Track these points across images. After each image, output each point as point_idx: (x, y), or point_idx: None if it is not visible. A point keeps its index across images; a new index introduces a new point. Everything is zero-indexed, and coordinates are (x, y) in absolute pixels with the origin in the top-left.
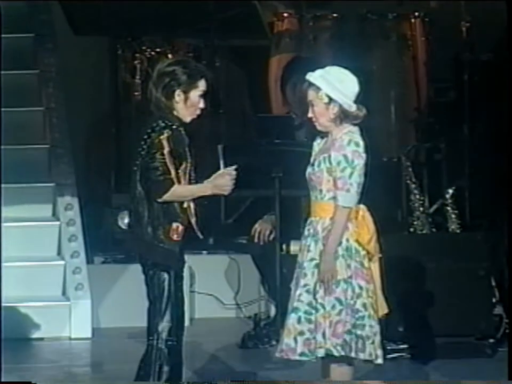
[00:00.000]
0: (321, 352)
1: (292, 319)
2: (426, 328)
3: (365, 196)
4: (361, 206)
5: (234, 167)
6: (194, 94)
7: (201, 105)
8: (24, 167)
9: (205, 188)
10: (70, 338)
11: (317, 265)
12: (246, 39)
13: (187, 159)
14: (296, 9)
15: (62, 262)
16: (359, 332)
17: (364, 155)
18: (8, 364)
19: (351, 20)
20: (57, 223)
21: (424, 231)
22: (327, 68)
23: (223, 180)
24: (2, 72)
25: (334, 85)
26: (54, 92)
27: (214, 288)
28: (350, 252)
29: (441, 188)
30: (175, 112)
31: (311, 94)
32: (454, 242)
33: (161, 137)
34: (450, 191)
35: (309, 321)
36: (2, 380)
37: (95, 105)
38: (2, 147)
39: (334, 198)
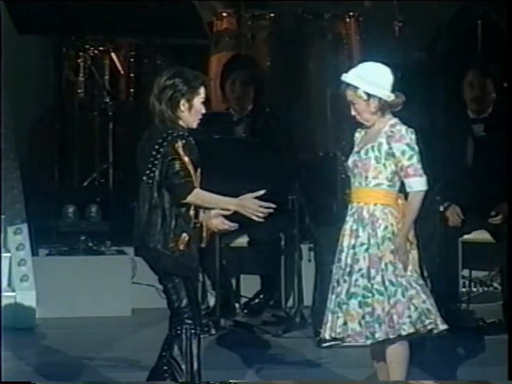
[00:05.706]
0: (380, 336)
1: (352, 304)
2: None
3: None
4: (400, 193)
5: (263, 191)
6: (198, 101)
7: (203, 110)
8: None
9: (230, 202)
10: (15, 328)
11: (367, 250)
12: (186, 38)
13: (198, 167)
14: (235, 9)
15: (8, 254)
16: (422, 305)
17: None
18: None
19: (288, 19)
20: (2, 216)
21: None
22: (359, 66)
23: (249, 202)
24: None
25: (370, 81)
26: None
27: (155, 278)
28: (395, 236)
29: None
30: (180, 122)
31: (350, 94)
32: None
33: (176, 145)
34: None
35: (367, 304)
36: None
37: (39, 102)
38: None
39: (378, 185)
